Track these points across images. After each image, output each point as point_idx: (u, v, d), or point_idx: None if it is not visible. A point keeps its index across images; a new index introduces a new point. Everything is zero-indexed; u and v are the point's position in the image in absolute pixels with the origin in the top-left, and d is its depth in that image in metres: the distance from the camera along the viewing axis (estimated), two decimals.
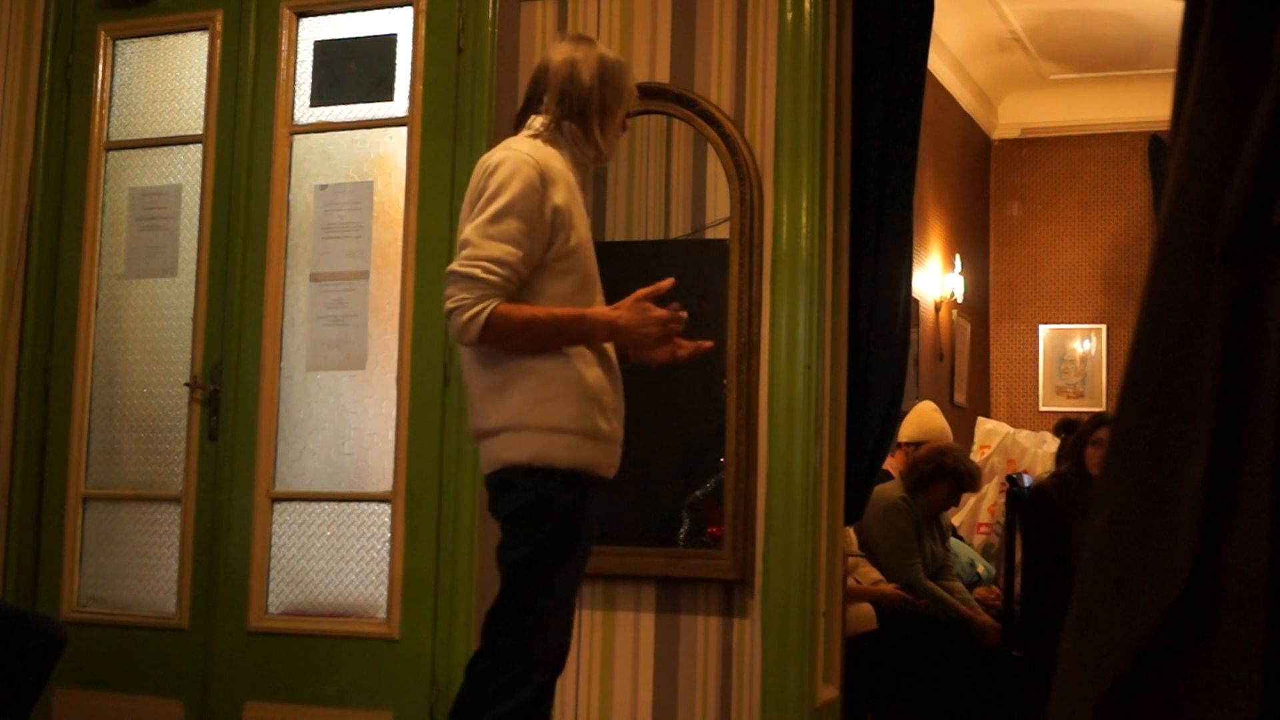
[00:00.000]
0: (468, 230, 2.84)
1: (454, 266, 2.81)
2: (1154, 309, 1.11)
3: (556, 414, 2.82)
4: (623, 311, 2.88)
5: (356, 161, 4.56)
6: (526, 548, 2.84)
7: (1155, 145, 9.05)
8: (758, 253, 4.00)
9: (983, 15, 8.12)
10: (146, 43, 4.89)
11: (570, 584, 2.89)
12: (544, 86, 3.00)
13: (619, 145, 3.15)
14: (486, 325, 2.76)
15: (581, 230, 2.92)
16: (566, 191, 2.89)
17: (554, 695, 3.03)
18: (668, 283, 2.92)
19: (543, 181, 2.84)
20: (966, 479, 5.53)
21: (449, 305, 2.79)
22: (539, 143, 2.95)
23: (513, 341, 2.80)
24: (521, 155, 2.86)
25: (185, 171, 4.78)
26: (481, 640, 2.88)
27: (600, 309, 2.91)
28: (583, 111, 2.97)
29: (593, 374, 2.87)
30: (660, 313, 2.88)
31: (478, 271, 2.78)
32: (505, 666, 2.83)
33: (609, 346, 2.95)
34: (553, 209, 2.85)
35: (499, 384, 2.86)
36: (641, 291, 2.89)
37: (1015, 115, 9.53)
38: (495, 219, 2.81)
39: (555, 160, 2.93)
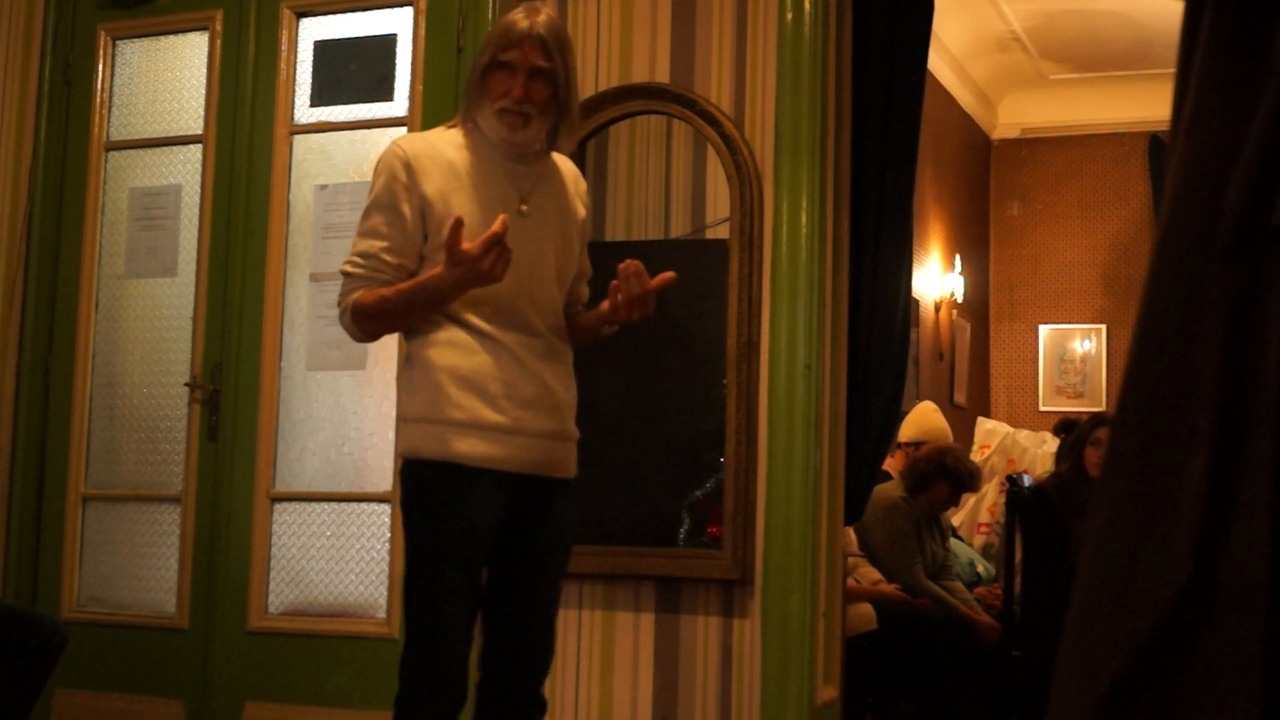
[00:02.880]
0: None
1: (340, 267, 2.86)
2: (1154, 309, 1.11)
3: (424, 404, 2.77)
4: (445, 266, 2.67)
5: (356, 161, 4.56)
6: (410, 543, 2.80)
7: (1155, 145, 9.05)
8: (758, 253, 3.99)
9: (983, 15, 8.12)
10: (146, 43, 4.89)
11: (460, 581, 2.75)
12: None
13: (516, 124, 2.80)
14: (352, 315, 2.78)
15: (471, 216, 2.73)
16: (447, 180, 2.78)
17: (542, 704, 2.93)
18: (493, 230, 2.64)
19: (407, 170, 2.78)
20: (967, 479, 5.53)
21: (338, 311, 2.84)
22: (442, 129, 2.88)
23: (377, 323, 2.80)
24: (390, 149, 2.84)
25: (185, 171, 4.78)
26: (404, 640, 2.82)
27: (429, 277, 2.72)
28: (468, 85, 2.87)
29: (472, 362, 2.75)
30: (467, 250, 2.62)
31: (348, 268, 2.81)
32: (421, 669, 2.75)
33: (506, 335, 2.78)
34: (420, 198, 2.78)
35: (401, 369, 2.89)
36: (462, 245, 2.64)
37: (1015, 115, 9.53)
38: (364, 217, 2.83)
39: (449, 147, 2.82)
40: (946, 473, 5.43)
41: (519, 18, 2.80)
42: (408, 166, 2.78)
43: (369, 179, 4.46)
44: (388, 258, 2.78)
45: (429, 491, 2.76)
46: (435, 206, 2.77)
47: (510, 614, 2.87)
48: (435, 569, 2.75)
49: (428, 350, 2.77)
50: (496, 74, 2.80)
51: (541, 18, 2.81)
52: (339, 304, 2.84)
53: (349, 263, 2.82)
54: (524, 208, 2.83)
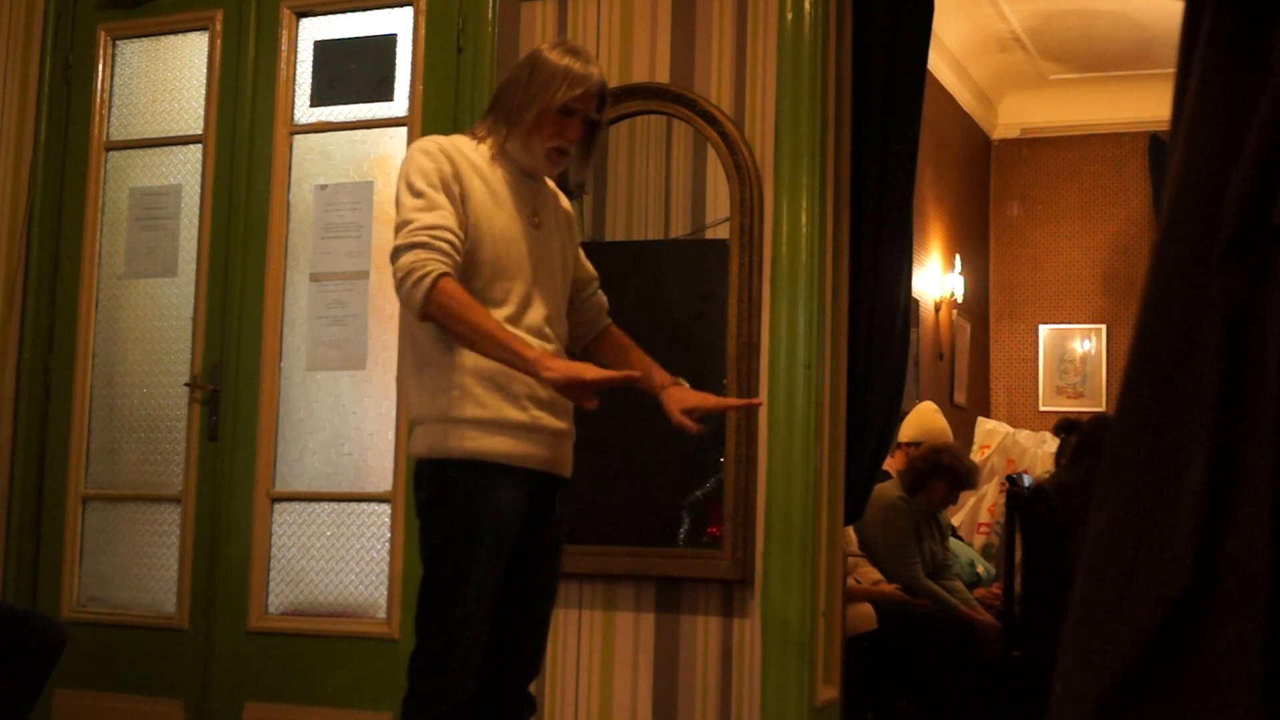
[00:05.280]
0: (400, 214, 2.81)
1: (397, 242, 2.76)
2: (1154, 309, 1.11)
3: (450, 404, 2.79)
4: (558, 371, 2.71)
5: (356, 161, 4.56)
6: (432, 543, 2.83)
7: (1155, 145, 9.05)
8: (758, 253, 3.99)
9: (983, 15, 8.12)
10: (146, 43, 4.89)
11: (488, 578, 2.79)
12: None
13: (558, 161, 2.93)
14: (430, 294, 2.70)
15: (499, 223, 2.86)
16: (478, 189, 2.85)
17: (531, 701, 2.99)
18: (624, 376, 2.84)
19: (451, 164, 2.83)
20: (963, 476, 5.53)
21: (398, 276, 2.73)
22: (465, 140, 2.94)
23: (450, 324, 2.73)
24: (428, 145, 2.88)
25: (185, 171, 4.78)
26: (415, 640, 2.83)
27: (536, 354, 2.73)
28: (508, 109, 2.91)
29: (495, 363, 2.78)
30: (592, 381, 2.72)
31: (423, 238, 2.74)
32: (434, 668, 2.77)
33: (535, 339, 2.84)
34: (463, 192, 2.82)
35: (411, 371, 2.88)
36: (601, 375, 2.74)
37: (1015, 115, 9.53)
38: (413, 193, 2.79)
39: (471, 151, 2.89)
40: (943, 470, 5.43)
41: (584, 67, 2.89)
42: (451, 160, 2.84)
43: (369, 179, 4.53)
44: (461, 234, 2.79)
45: (455, 490, 2.80)
46: (472, 209, 2.84)
47: (511, 613, 2.90)
48: (460, 567, 2.78)
49: (449, 353, 2.80)
50: (556, 114, 2.88)
51: (596, 69, 2.91)
52: (410, 270, 2.72)
53: (426, 234, 2.74)
54: (536, 220, 2.94)
